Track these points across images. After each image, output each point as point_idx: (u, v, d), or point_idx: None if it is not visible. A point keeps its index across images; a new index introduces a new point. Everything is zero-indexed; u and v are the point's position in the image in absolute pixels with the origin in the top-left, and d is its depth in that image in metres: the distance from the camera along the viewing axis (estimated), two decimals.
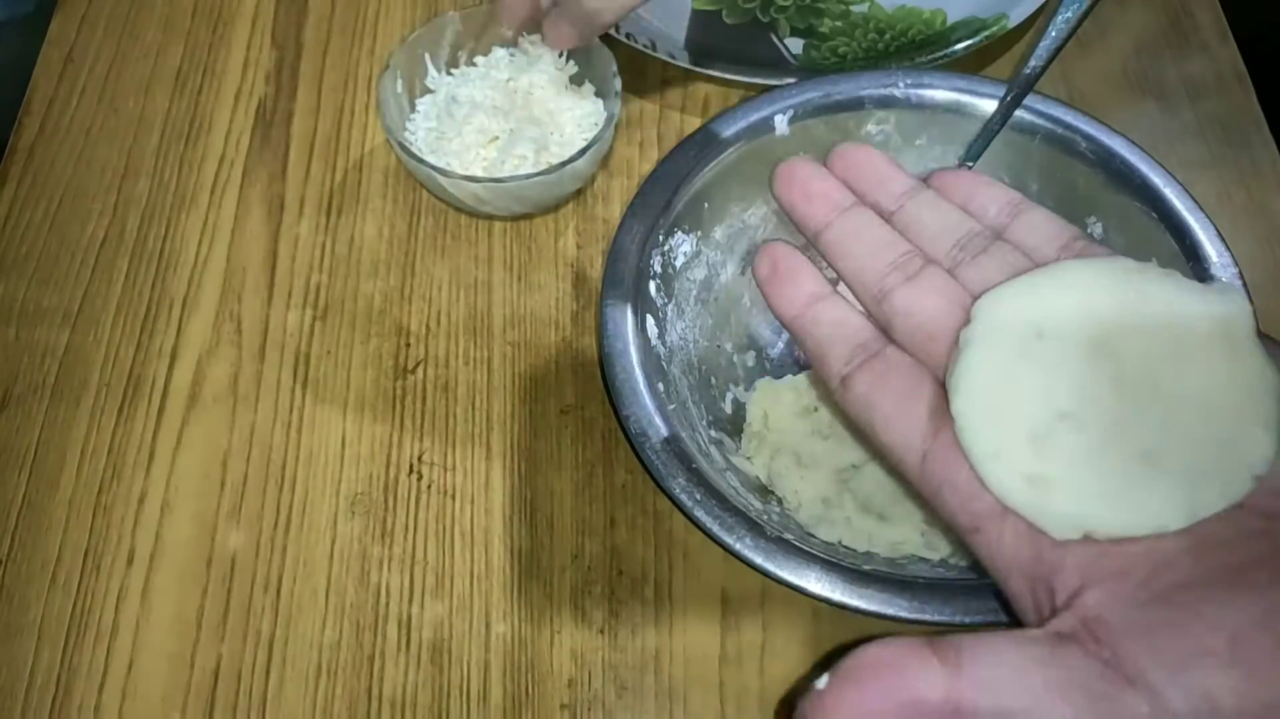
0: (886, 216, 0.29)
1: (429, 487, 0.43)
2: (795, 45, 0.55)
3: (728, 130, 0.43)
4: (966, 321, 0.25)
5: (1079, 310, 0.24)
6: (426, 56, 0.49)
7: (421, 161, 0.44)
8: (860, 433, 0.27)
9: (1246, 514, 0.22)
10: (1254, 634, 0.19)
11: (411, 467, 0.43)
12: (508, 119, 0.47)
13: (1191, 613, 0.20)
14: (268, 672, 0.39)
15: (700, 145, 0.43)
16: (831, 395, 0.28)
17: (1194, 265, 0.39)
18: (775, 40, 0.56)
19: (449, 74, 0.50)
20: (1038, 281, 0.25)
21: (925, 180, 0.31)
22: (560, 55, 0.49)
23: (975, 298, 0.26)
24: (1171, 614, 0.20)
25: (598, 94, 0.49)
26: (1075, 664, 0.20)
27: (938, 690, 0.20)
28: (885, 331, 0.28)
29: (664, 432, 0.37)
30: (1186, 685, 0.19)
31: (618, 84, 0.46)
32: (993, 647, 0.21)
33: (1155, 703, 0.19)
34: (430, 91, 0.49)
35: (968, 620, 0.33)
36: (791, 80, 0.45)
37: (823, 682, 0.21)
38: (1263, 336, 0.24)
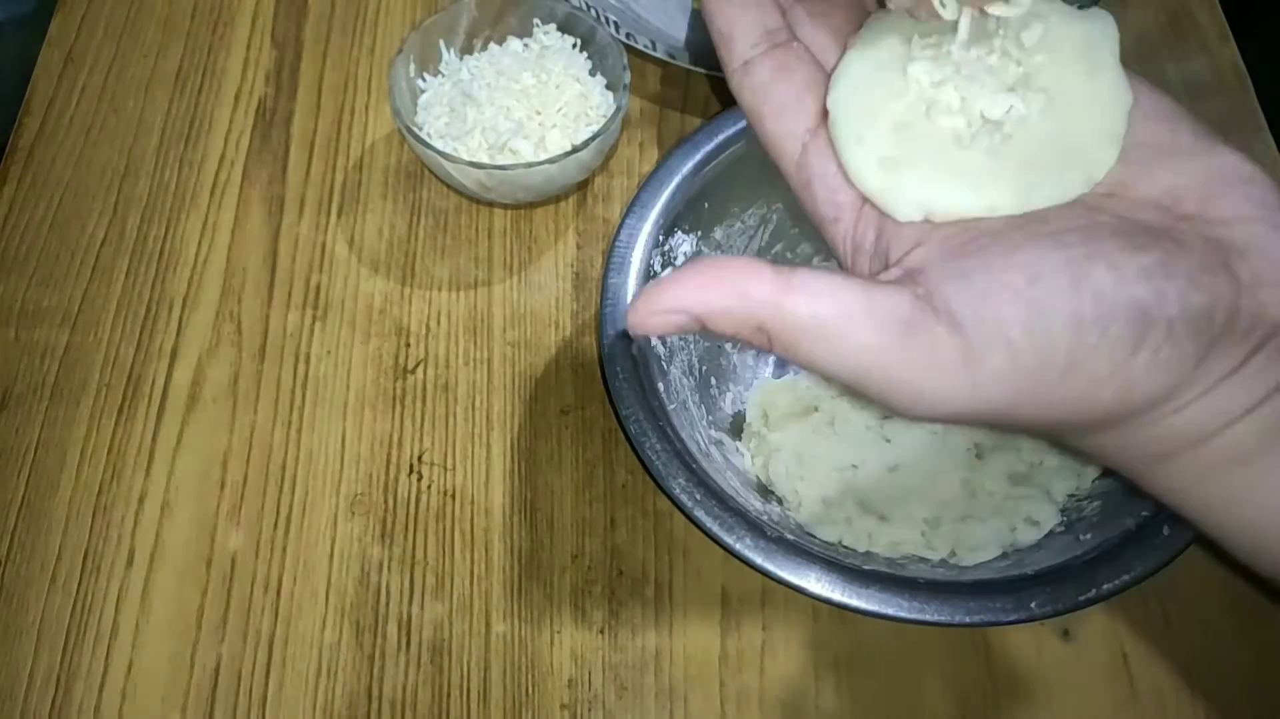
0: None
1: (429, 487, 0.43)
2: None
3: (728, 130, 0.43)
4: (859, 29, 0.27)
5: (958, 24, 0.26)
6: (441, 42, 0.49)
7: (428, 146, 0.44)
8: (750, 120, 0.28)
9: (1073, 205, 0.24)
10: (1051, 276, 0.22)
11: (411, 467, 0.43)
12: (517, 107, 0.47)
13: (1002, 258, 0.22)
14: (268, 672, 0.39)
15: (700, 145, 0.43)
16: (728, 80, 0.28)
17: None
18: None
19: (462, 60, 0.50)
20: None
21: None
22: (574, 47, 0.49)
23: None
24: (984, 259, 0.23)
25: (608, 87, 0.49)
26: (891, 295, 0.22)
27: (766, 289, 0.22)
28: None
29: (664, 431, 0.37)
30: (983, 314, 0.22)
31: (627, 77, 0.47)
32: (823, 273, 0.23)
33: (954, 330, 0.22)
34: (442, 76, 0.49)
35: (968, 620, 0.33)
36: None
37: (666, 272, 0.22)
38: (1126, 67, 0.26)
